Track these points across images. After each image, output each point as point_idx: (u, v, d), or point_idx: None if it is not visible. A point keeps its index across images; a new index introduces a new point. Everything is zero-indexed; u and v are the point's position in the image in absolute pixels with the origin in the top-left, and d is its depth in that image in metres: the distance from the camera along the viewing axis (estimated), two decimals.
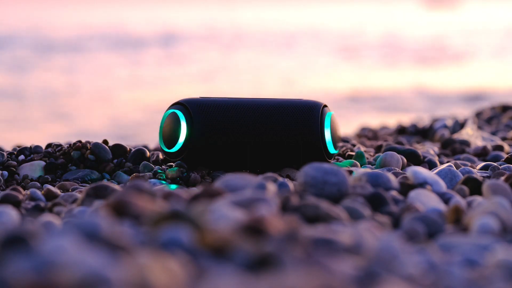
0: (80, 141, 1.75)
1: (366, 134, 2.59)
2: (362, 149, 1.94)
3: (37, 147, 1.79)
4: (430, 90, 7.35)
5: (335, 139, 1.72)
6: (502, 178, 1.35)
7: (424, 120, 2.89)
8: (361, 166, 1.76)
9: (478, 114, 3.08)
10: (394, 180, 1.29)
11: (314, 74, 8.94)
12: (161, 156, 1.77)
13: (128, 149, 1.78)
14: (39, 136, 4.91)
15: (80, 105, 6.42)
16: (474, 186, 1.37)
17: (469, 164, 1.80)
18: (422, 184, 1.30)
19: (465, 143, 2.19)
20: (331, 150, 1.71)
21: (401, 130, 2.66)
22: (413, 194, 1.25)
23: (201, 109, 1.65)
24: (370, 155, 1.97)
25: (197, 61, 9.91)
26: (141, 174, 1.65)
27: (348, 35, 14.59)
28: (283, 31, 15.92)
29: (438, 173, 1.44)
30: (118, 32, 14.43)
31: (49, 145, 1.80)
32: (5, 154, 1.73)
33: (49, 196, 1.45)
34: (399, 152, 1.80)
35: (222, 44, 12.74)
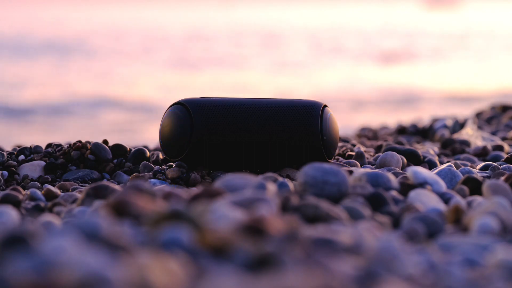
0: (80, 141, 1.75)
1: (366, 134, 2.59)
2: (362, 149, 1.94)
3: (37, 147, 1.79)
4: None
5: (335, 139, 1.72)
6: (502, 178, 1.35)
7: (424, 120, 2.89)
8: (361, 166, 1.76)
9: (478, 114, 3.08)
10: (394, 180, 1.29)
11: None
12: (161, 156, 1.77)
13: (128, 149, 1.78)
14: None
15: None
16: (474, 186, 1.37)
17: (469, 164, 1.80)
18: (422, 184, 1.30)
19: (465, 143, 2.19)
20: (331, 150, 1.71)
21: (401, 130, 2.66)
22: (413, 194, 1.25)
23: (201, 109, 1.65)
24: (370, 155, 1.96)
25: None
26: (141, 174, 1.65)
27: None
28: None
29: (438, 173, 1.44)
30: None
31: (49, 145, 1.80)
32: (5, 154, 1.73)
33: (49, 196, 1.45)
34: (399, 152, 1.80)
35: None
